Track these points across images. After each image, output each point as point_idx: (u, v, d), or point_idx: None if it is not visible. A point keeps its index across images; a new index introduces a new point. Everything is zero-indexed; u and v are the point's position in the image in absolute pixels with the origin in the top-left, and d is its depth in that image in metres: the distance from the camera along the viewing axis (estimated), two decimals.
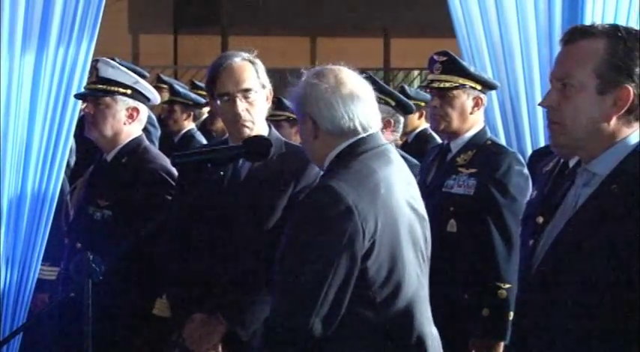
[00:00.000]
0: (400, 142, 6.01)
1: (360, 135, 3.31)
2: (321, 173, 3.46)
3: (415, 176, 3.66)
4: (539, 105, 2.86)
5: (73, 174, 6.31)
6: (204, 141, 8.03)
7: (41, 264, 5.22)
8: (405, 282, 3.26)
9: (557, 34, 5.32)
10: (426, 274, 3.41)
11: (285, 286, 3.21)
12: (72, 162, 6.50)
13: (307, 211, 3.24)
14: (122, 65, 4.73)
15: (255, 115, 4.05)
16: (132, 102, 4.64)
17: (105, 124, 4.61)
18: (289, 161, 4.01)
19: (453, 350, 4.16)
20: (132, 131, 4.66)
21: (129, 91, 4.63)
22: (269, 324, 3.27)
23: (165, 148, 6.32)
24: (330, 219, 3.14)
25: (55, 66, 5.03)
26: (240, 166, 4.02)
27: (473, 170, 4.76)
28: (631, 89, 2.62)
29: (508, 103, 5.61)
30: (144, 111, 4.71)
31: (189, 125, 8.55)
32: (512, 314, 4.53)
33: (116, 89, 4.61)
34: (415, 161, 5.11)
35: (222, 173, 3.78)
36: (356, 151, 3.29)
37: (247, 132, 4.01)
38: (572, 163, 3.82)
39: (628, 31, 2.67)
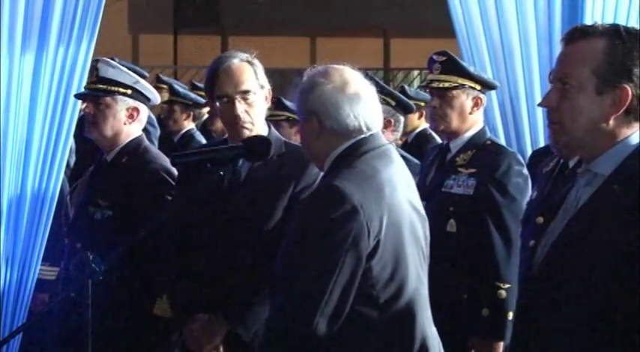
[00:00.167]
0: (400, 142, 6.02)
1: (363, 135, 3.31)
2: (322, 173, 3.45)
3: (415, 175, 3.67)
4: (538, 105, 2.85)
5: (73, 174, 6.32)
6: (204, 141, 8.02)
7: (41, 264, 5.21)
8: (407, 282, 3.26)
9: (557, 34, 5.32)
10: (426, 273, 3.41)
11: (290, 285, 3.20)
12: (72, 162, 6.50)
13: (312, 211, 3.24)
14: (122, 65, 4.73)
15: (255, 116, 4.05)
16: (132, 102, 4.64)
17: (105, 124, 4.62)
18: (289, 161, 4.02)
19: (453, 350, 4.16)
20: (132, 131, 4.67)
21: (129, 91, 4.63)
22: (271, 324, 3.27)
23: (165, 148, 6.32)
24: (336, 218, 3.14)
25: (55, 66, 5.02)
26: (240, 166, 4.01)
27: (472, 170, 4.76)
28: (630, 89, 2.61)
29: (508, 103, 5.61)
30: (144, 111, 4.71)
31: (189, 125, 8.55)
32: (511, 314, 4.53)
33: (116, 89, 4.61)
34: (416, 160, 5.12)
35: (222, 173, 3.78)
36: (359, 151, 3.29)
37: (247, 133, 4.01)
38: (572, 163, 3.85)
39: (628, 31, 2.66)
